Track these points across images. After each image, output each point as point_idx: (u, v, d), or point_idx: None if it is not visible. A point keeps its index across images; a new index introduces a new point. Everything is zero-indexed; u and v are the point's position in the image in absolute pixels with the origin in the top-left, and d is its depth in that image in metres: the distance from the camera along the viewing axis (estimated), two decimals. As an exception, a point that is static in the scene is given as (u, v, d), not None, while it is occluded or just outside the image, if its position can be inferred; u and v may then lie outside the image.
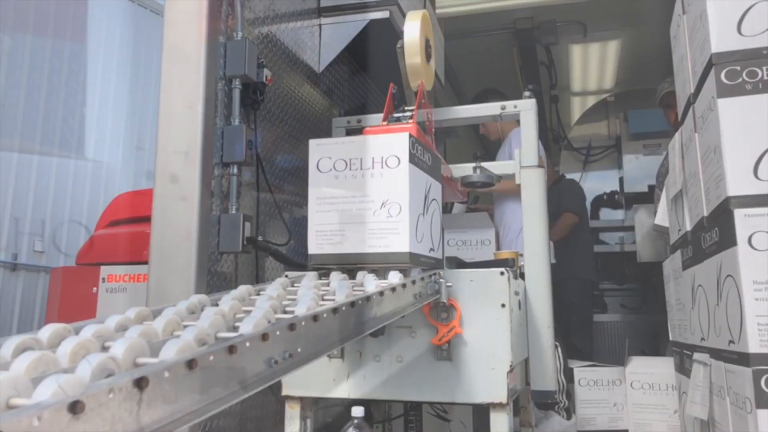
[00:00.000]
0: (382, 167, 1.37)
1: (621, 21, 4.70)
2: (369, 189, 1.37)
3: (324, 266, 1.43)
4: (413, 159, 1.38)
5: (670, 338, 2.30)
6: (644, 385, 2.57)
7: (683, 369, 2.00)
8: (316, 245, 1.41)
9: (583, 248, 4.33)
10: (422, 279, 1.41)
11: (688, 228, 1.83)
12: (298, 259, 2.22)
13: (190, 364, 0.60)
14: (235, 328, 0.82)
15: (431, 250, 1.48)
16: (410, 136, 1.38)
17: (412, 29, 1.83)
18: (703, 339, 1.68)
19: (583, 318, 4.27)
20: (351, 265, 1.39)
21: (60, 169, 6.35)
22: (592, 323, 4.48)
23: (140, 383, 0.52)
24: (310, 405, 1.70)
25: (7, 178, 5.80)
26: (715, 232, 1.48)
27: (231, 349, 0.67)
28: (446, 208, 3.41)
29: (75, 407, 0.45)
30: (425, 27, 1.88)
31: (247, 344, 0.70)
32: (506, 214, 3.25)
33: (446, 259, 1.99)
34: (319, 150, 1.44)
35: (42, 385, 0.47)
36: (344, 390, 1.64)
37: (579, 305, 4.27)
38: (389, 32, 2.76)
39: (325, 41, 2.75)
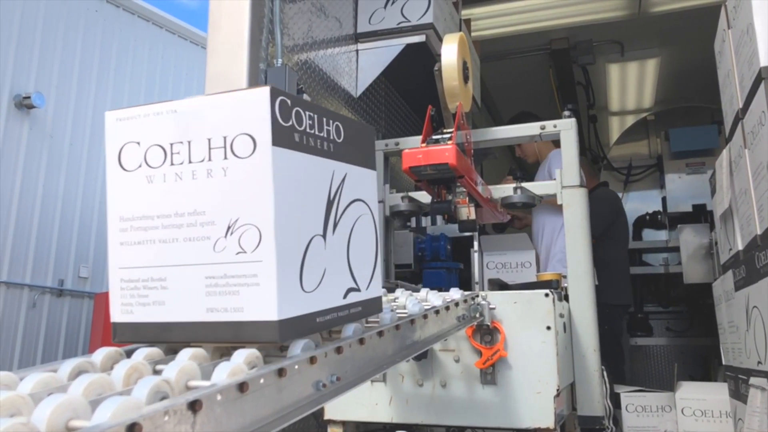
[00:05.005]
0: (225, 157, 0.74)
1: (659, 39, 4.65)
2: (203, 200, 0.75)
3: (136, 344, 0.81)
4: (283, 137, 0.75)
5: (723, 362, 2.22)
6: (696, 411, 2.48)
7: (738, 394, 1.92)
8: (121, 308, 0.79)
9: (614, 270, 4.07)
10: (465, 301, 1.40)
11: (740, 247, 1.77)
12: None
13: (242, 387, 0.60)
14: (282, 351, 0.82)
15: (351, 291, 0.89)
16: (273, 91, 0.74)
17: (450, 52, 1.84)
18: (759, 363, 1.61)
19: (610, 345, 4.02)
20: (180, 343, 0.78)
21: (105, 196, 6.54)
22: (621, 353, 4.21)
23: (194, 406, 0.52)
24: (353, 429, 1.68)
25: (54, 205, 5.99)
26: (770, 251, 1.43)
27: (280, 372, 0.67)
28: (483, 229, 3.37)
29: (133, 429, 0.45)
30: (462, 49, 1.89)
31: (296, 367, 0.70)
32: (546, 235, 3.20)
33: (488, 281, 1.97)
34: (120, 130, 0.80)
35: (101, 408, 0.47)
36: (387, 414, 1.62)
37: (602, 332, 4.05)
38: (425, 55, 2.79)
39: (362, 66, 2.78)
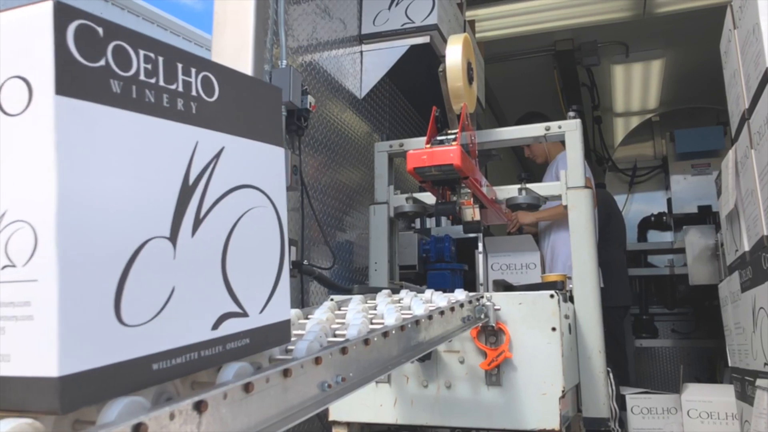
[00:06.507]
0: None
1: (664, 40, 4.64)
2: None
3: None
4: (84, 84, 0.48)
5: (729, 364, 2.21)
6: (702, 413, 2.46)
7: (745, 396, 1.91)
8: None
9: (611, 271, 3.98)
10: (470, 302, 1.39)
11: (746, 248, 1.76)
12: (342, 284, 2.22)
13: (247, 387, 0.60)
14: (287, 352, 0.82)
15: (230, 318, 0.63)
16: (61, 8, 0.46)
17: (454, 53, 1.84)
18: (766, 364, 1.60)
19: (611, 347, 3.94)
20: None
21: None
22: (624, 356, 4.16)
23: (199, 406, 0.52)
24: (357, 431, 1.68)
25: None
26: (777, 252, 1.42)
27: (286, 373, 0.66)
28: (488, 230, 3.37)
29: (139, 429, 0.45)
30: (467, 50, 1.88)
31: (301, 368, 0.70)
32: (552, 237, 3.19)
33: (493, 283, 1.97)
34: None
35: (107, 408, 0.47)
36: (391, 415, 1.61)
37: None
38: (430, 57, 2.78)
39: (366, 68, 2.78)
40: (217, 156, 0.62)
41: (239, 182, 0.65)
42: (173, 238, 0.56)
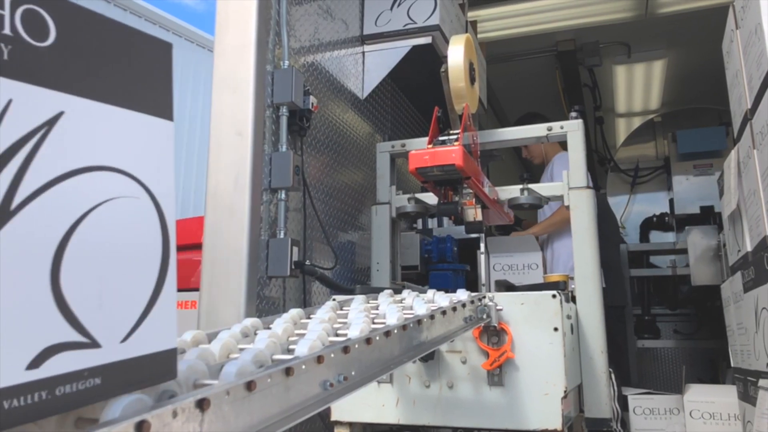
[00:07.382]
0: None
1: (666, 41, 4.63)
2: None
3: None
4: None
5: (732, 364, 2.20)
6: (704, 414, 2.46)
7: (747, 397, 1.91)
8: None
9: (607, 271, 4.00)
10: (472, 302, 1.39)
11: (749, 248, 1.76)
12: (344, 284, 2.22)
13: (249, 385, 0.60)
14: (289, 351, 0.82)
15: (66, 350, 0.44)
16: None
17: (456, 53, 1.84)
18: (769, 365, 1.60)
19: (609, 348, 3.93)
20: None
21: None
22: (623, 356, 4.12)
23: (202, 404, 0.52)
24: (360, 431, 1.68)
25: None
26: (779, 252, 1.42)
27: (288, 371, 0.67)
28: (490, 231, 3.37)
29: (141, 427, 0.45)
30: (469, 50, 1.89)
31: (303, 366, 0.70)
32: (552, 240, 3.19)
33: (495, 283, 1.97)
34: None
35: (110, 405, 0.47)
36: (393, 415, 1.61)
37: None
38: (432, 57, 2.79)
39: (368, 68, 2.78)
40: (50, 123, 0.44)
41: (91, 162, 0.47)
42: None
